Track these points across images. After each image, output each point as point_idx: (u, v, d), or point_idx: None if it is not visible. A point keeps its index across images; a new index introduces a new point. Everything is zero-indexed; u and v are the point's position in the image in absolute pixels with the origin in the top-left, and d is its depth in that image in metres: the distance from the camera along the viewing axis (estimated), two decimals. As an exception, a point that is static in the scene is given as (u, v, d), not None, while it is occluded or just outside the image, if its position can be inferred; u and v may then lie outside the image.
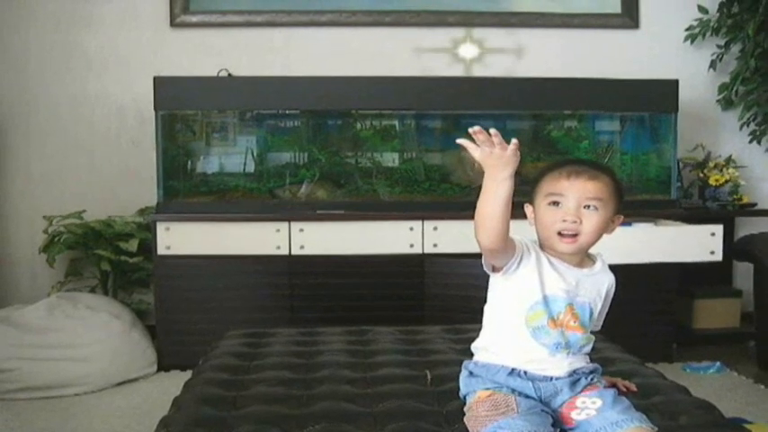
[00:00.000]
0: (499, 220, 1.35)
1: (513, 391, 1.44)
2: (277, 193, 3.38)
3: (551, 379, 1.45)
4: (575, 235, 1.43)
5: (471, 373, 1.51)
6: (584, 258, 1.51)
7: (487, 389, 1.46)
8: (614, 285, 1.55)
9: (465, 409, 1.49)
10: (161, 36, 3.76)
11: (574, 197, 1.43)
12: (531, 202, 1.52)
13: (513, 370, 1.46)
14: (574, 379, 1.46)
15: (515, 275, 1.46)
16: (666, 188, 3.47)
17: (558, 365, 1.46)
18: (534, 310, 1.44)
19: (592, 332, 1.52)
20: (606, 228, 1.47)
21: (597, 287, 1.50)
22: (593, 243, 1.47)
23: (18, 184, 3.76)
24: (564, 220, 1.43)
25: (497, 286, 1.50)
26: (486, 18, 3.84)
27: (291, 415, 1.58)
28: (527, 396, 1.43)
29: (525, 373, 1.45)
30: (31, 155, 3.75)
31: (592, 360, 1.54)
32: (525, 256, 1.45)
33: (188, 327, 3.15)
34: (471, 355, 1.55)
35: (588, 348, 1.51)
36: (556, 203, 1.45)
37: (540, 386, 1.45)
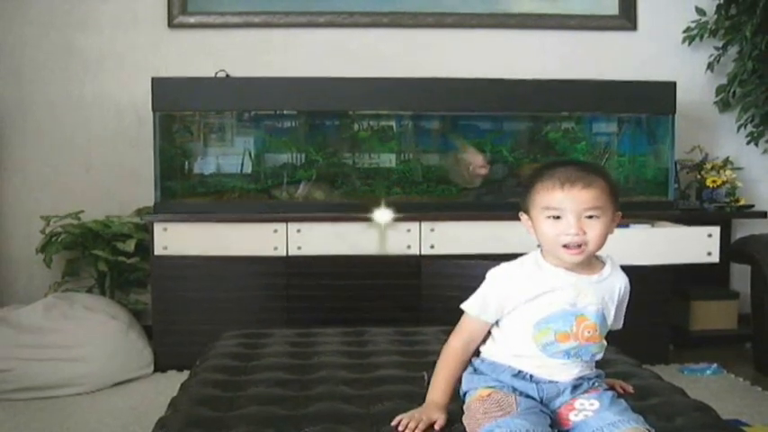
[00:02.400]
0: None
1: (515, 390, 1.44)
2: (274, 193, 3.38)
3: (556, 383, 1.45)
4: (580, 245, 1.41)
5: (476, 370, 1.51)
6: (592, 263, 1.49)
7: (489, 387, 1.46)
8: (628, 286, 1.53)
9: (464, 407, 1.49)
10: (159, 37, 3.75)
11: (573, 210, 1.40)
12: (526, 211, 1.49)
13: (519, 372, 1.46)
14: (577, 383, 1.46)
15: (508, 317, 1.48)
16: (664, 190, 3.48)
17: (568, 372, 1.46)
18: (539, 329, 1.44)
19: (611, 331, 1.51)
20: (610, 229, 1.46)
21: (609, 292, 1.49)
22: (600, 248, 1.45)
23: (15, 185, 3.75)
24: (567, 234, 1.40)
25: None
26: (483, 19, 3.84)
27: (288, 416, 1.58)
28: (528, 396, 1.44)
29: (531, 376, 1.45)
30: (29, 155, 3.74)
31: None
32: (508, 305, 1.47)
33: (185, 327, 3.14)
34: (476, 353, 1.55)
35: (600, 356, 1.50)
36: (555, 217, 1.42)
37: (543, 388, 1.45)
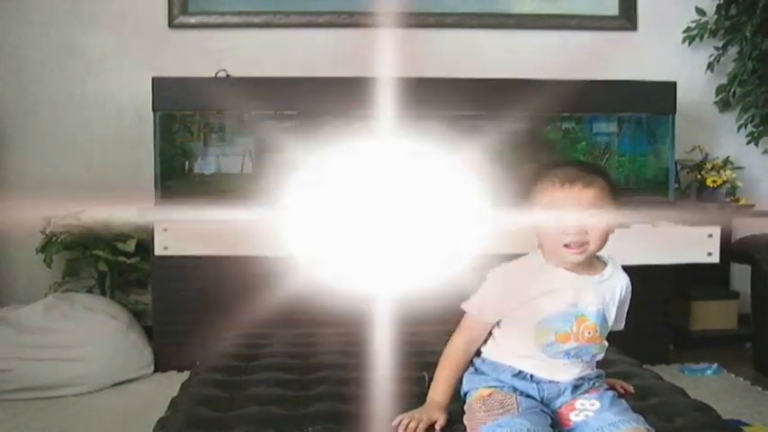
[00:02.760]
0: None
1: (516, 390, 1.45)
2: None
3: (557, 383, 1.45)
4: (582, 245, 1.42)
5: (476, 370, 1.52)
6: (593, 263, 1.49)
7: (489, 387, 1.46)
8: (630, 287, 1.53)
9: (465, 407, 1.49)
10: (159, 37, 3.75)
11: (574, 209, 1.41)
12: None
13: (520, 372, 1.46)
14: (578, 383, 1.47)
15: (509, 317, 1.48)
16: (664, 189, 3.48)
17: (569, 372, 1.46)
18: (539, 329, 1.44)
19: (613, 332, 1.51)
20: (610, 229, 1.46)
21: (610, 292, 1.49)
22: (601, 248, 1.45)
23: (16, 184, 3.75)
24: (568, 234, 1.41)
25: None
26: (483, 20, 3.84)
27: (289, 416, 1.58)
28: (528, 396, 1.44)
29: (532, 376, 1.46)
30: (29, 155, 3.74)
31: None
32: (508, 305, 1.46)
33: (185, 327, 3.14)
34: (476, 353, 1.55)
35: (600, 357, 1.51)
36: None
37: (544, 388, 1.45)
